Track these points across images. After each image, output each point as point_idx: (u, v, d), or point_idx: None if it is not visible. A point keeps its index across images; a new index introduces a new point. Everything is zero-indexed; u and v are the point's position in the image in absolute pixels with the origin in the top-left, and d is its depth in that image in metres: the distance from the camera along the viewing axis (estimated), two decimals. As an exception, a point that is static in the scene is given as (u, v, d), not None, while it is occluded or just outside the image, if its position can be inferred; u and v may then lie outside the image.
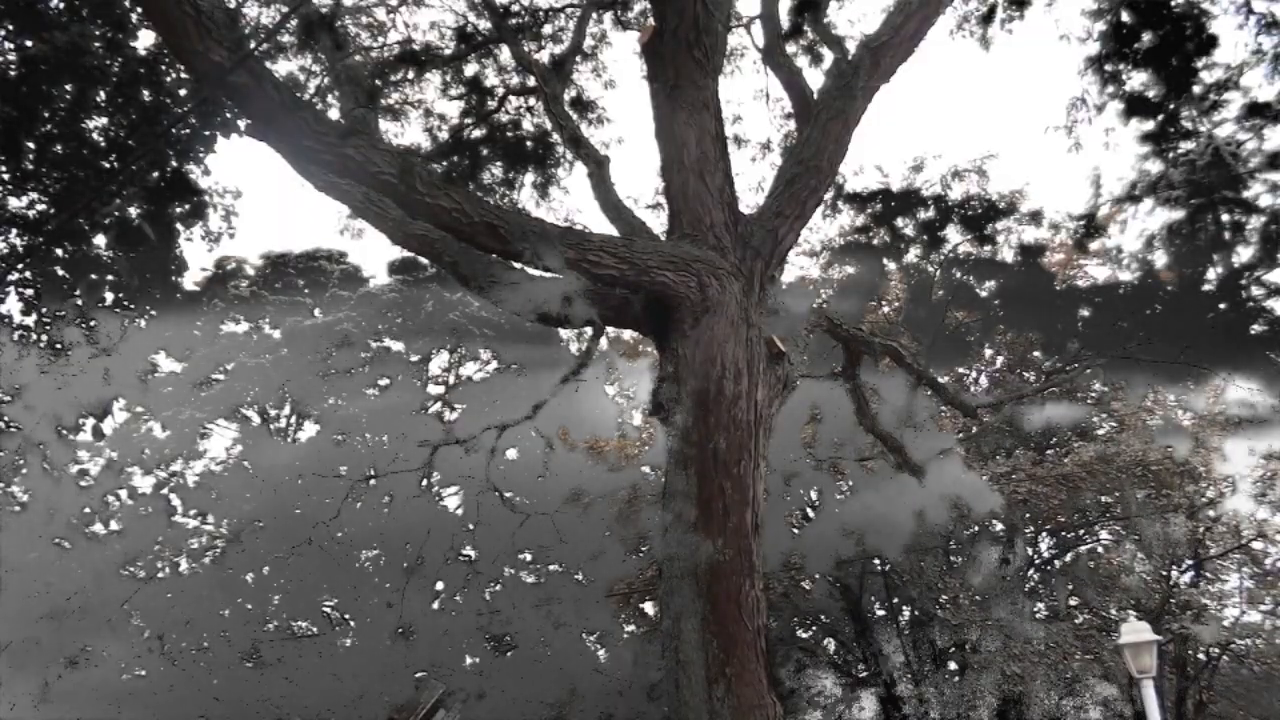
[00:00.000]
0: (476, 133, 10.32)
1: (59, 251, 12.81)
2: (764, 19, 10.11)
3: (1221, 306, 8.65)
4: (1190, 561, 18.71)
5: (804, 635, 20.86)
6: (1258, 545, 18.98)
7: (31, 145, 11.21)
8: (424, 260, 15.31)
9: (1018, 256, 9.61)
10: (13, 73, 10.49)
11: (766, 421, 7.18)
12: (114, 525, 22.72)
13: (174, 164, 12.19)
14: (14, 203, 11.93)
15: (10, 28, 10.58)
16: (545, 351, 22.37)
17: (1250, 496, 17.79)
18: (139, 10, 9.76)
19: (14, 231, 12.29)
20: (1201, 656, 18.91)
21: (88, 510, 22.18)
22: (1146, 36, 8.63)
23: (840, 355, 10.26)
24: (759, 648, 6.48)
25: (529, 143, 10.22)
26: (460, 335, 24.69)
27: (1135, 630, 12.01)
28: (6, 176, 11.62)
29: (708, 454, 6.85)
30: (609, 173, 9.19)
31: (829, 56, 9.30)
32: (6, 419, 16.56)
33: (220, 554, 22.13)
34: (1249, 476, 17.70)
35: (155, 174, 11.98)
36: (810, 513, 19.80)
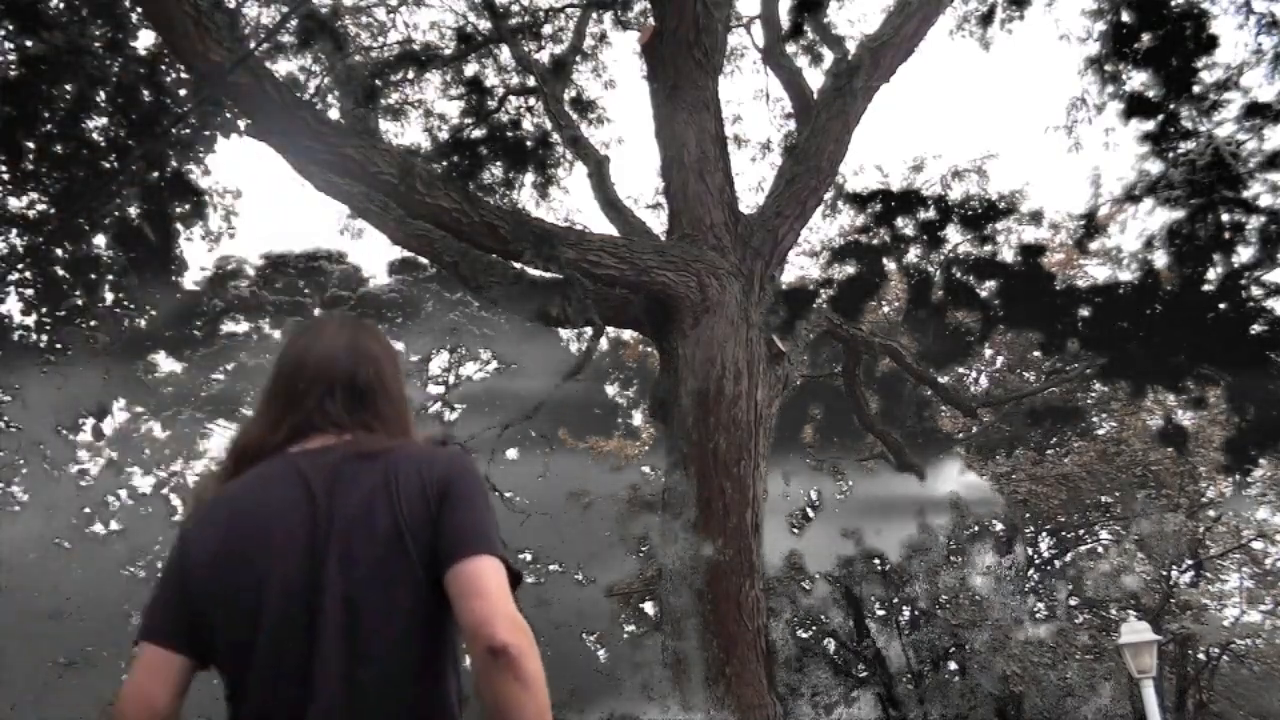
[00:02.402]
0: (476, 133, 10.30)
1: (59, 251, 12.81)
2: (764, 19, 10.13)
3: (1221, 306, 8.63)
4: (1190, 561, 18.71)
5: (804, 635, 20.85)
6: (1258, 545, 18.99)
7: (31, 145, 11.20)
8: (424, 260, 15.28)
9: (1018, 256, 9.59)
10: (13, 73, 10.49)
11: (766, 421, 7.19)
12: (114, 525, 22.73)
13: (174, 164, 12.18)
14: (14, 203, 11.93)
15: (10, 28, 10.58)
16: (545, 351, 22.36)
17: (1250, 497, 17.77)
18: (139, 10, 9.76)
19: (14, 231, 12.29)
20: (1201, 656, 18.91)
21: (88, 510, 22.19)
22: (1146, 36, 8.63)
23: (840, 355, 10.26)
24: (759, 648, 6.49)
25: (529, 143, 10.21)
26: (460, 335, 24.68)
27: (1135, 630, 12.01)
28: (6, 176, 11.62)
29: (708, 454, 6.86)
30: (609, 173, 9.19)
31: (829, 56, 9.31)
32: (6, 419, 16.55)
33: (220, 554, 22.07)
34: (1249, 478, 17.69)
35: (155, 174, 11.97)
36: (810, 513, 19.79)
